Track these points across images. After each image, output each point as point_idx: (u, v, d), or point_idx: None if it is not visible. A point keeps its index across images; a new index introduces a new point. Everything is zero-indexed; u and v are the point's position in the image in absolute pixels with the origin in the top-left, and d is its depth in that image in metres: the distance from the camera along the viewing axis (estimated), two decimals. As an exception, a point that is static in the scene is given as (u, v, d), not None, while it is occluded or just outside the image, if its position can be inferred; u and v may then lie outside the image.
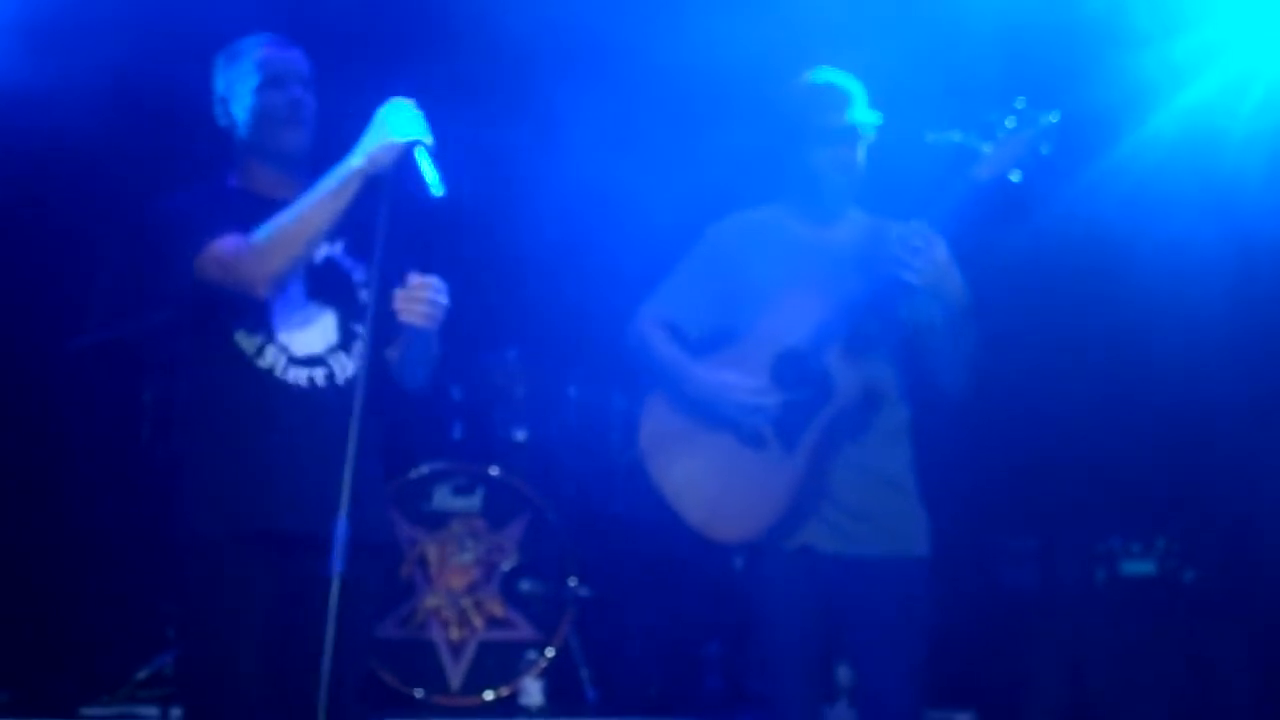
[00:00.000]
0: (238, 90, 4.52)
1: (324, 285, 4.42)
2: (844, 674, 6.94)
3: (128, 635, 7.11)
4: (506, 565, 7.18)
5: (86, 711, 6.57)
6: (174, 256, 4.31)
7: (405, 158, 4.29)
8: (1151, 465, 7.04)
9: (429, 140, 4.32)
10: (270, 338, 4.35)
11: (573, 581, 7.16)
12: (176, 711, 6.51)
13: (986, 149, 4.64)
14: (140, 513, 7.17)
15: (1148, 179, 6.63)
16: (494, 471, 7.26)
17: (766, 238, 5.04)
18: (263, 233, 4.24)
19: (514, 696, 7.00)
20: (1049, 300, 7.18)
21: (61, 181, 6.93)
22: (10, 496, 7.17)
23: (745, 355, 4.94)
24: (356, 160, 4.28)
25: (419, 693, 6.88)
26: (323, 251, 4.41)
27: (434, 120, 4.38)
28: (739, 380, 4.89)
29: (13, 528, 7.14)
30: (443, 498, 7.19)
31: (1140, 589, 6.85)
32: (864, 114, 4.94)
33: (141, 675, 6.81)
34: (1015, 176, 4.63)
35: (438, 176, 4.27)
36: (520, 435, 7.57)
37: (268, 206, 4.35)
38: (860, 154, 4.96)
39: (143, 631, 7.07)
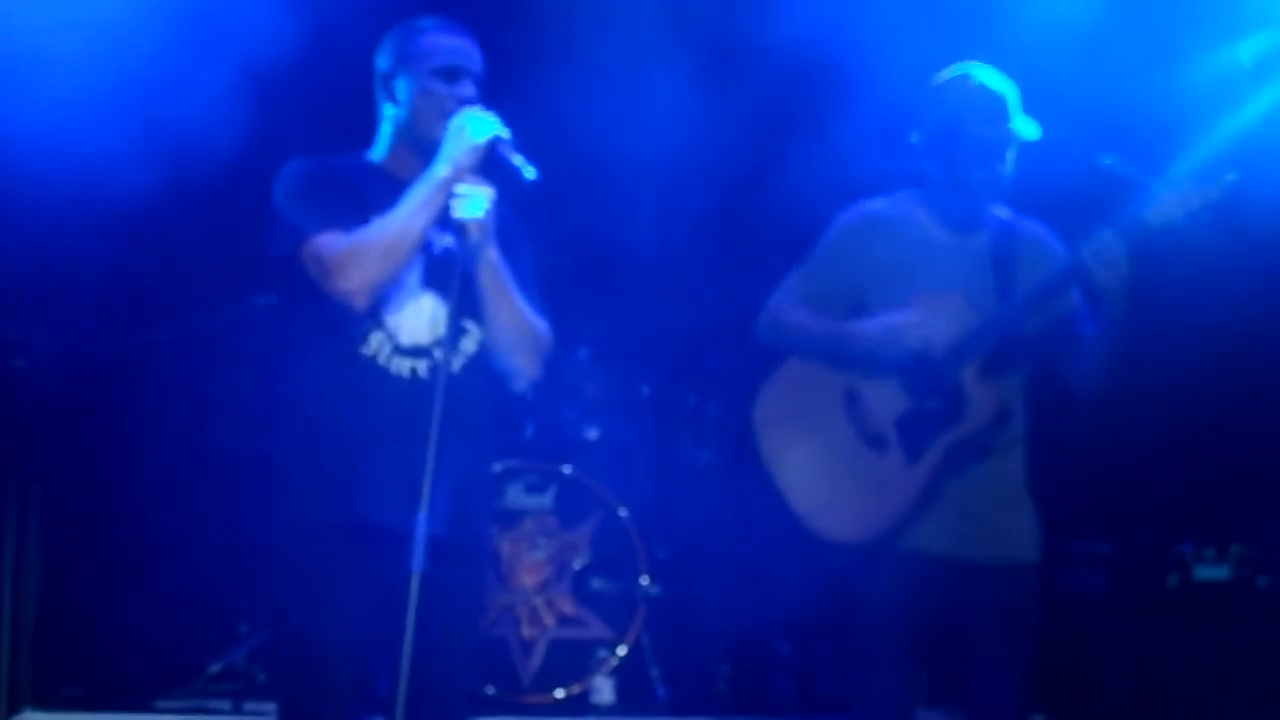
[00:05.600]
0: (407, 71, 4.47)
1: (439, 276, 4.38)
2: (921, 678, 6.93)
3: (200, 629, 7.15)
4: (578, 563, 7.19)
5: (160, 705, 6.61)
6: (284, 234, 4.31)
7: (491, 154, 4.31)
8: (1226, 469, 6.99)
9: (506, 134, 4.34)
10: (378, 323, 4.32)
11: (644, 580, 7.15)
12: (249, 705, 6.57)
13: (1162, 192, 4.59)
14: (213, 508, 7.21)
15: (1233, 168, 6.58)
16: (566, 470, 7.27)
17: (904, 238, 4.94)
18: (358, 241, 4.21)
19: (585, 694, 7.01)
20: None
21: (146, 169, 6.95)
22: (83, 491, 7.20)
23: None
24: (442, 169, 4.27)
25: (490, 689, 6.88)
26: (443, 242, 4.40)
27: (504, 109, 4.41)
28: (903, 319, 4.79)
29: (86, 522, 7.18)
30: (515, 495, 7.21)
31: (1213, 595, 6.80)
32: (1021, 125, 4.86)
33: (214, 669, 6.86)
34: (1183, 224, 4.57)
35: (526, 162, 4.31)
36: (592, 434, 7.59)
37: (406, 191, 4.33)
38: (1011, 163, 4.89)
39: (215, 626, 7.11)
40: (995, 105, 4.86)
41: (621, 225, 7.91)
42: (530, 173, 4.29)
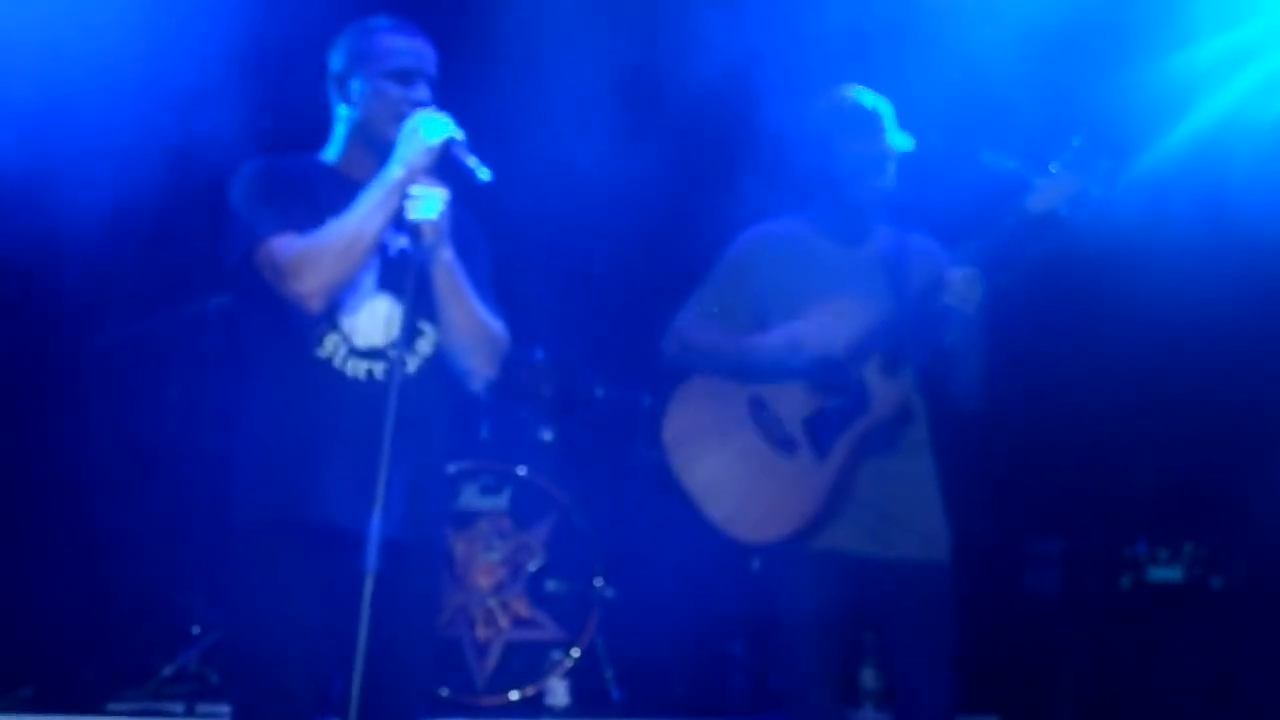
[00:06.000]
0: (361, 72, 4.45)
1: (395, 277, 4.35)
2: (869, 677, 6.95)
3: (153, 631, 7.11)
4: (533, 565, 7.17)
5: (112, 707, 6.56)
6: (239, 236, 4.29)
7: (445, 156, 4.31)
8: (1180, 470, 7.02)
9: (460, 136, 4.34)
10: (333, 325, 4.30)
11: (598, 582, 7.15)
12: (203, 707, 6.53)
13: (1040, 182, 4.73)
14: (167, 508, 7.18)
15: (1177, 176, 6.62)
16: (521, 471, 7.26)
17: (796, 254, 5.08)
18: (313, 244, 4.19)
19: (539, 696, 7.00)
20: (1075, 304, 7.17)
21: (98, 169, 6.92)
22: (36, 491, 7.17)
23: None
24: (396, 170, 4.26)
25: (444, 691, 6.86)
26: (398, 244, 4.39)
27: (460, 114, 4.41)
28: (802, 326, 4.91)
29: (39, 523, 7.14)
30: (470, 497, 7.19)
31: (1167, 595, 6.83)
32: (896, 138, 5.00)
33: (167, 671, 6.82)
34: (1064, 211, 4.71)
35: (480, 163, 4.30)
36: (547, 435, 7.58)
37: (360, 192, 4.31)
38: (891, 176, 5.01)
39: (169, 627, 7.07)
40: (868, 121, 5.01)
41: (576, 227, 7.91)
42: (485, 174, 4.29)
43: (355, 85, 4.47)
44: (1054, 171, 4.72)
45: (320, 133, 4.59)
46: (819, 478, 4.87)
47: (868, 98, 5.04)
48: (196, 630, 6.96)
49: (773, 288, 5.04)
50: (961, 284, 4.74)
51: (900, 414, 4.92)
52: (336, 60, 4.53)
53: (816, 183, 5.09)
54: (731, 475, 5.00)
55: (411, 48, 4.50)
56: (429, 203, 4.27)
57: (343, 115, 4.52)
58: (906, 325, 4.88)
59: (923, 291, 4.86)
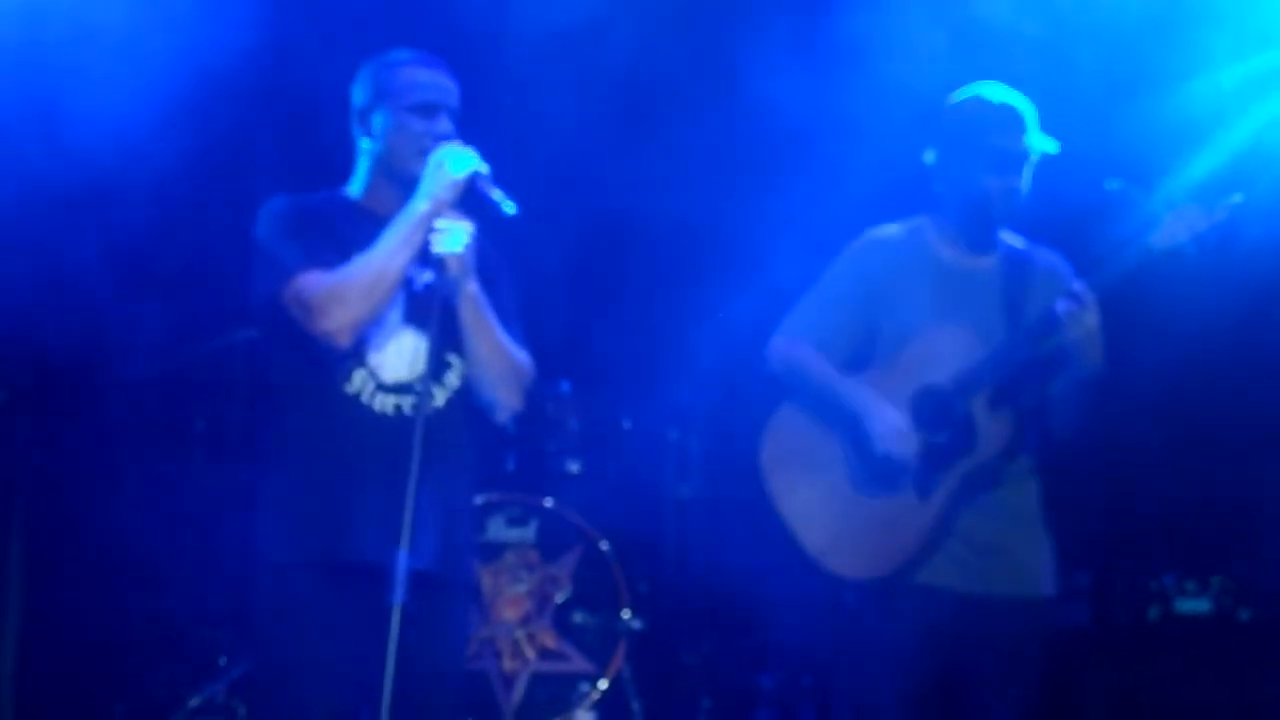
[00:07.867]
0: (383, 106, 4.46)
1: (421, 311, 4.36)
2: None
3: (180, 662, 7.12)
4: (560, 597, 7.16)
5: (139, 739, 6.60)
6: (265, 274, 4.31)
7: (470, 189, 4.31)
8: (1207, 502, 6.99)
9: (485, 169, 4.34)
10: (360, 361, 4.32)
11: (626, 614, 7.13)
12: (230, 738, 6.56)
13: (1166, 216, 4.61)
14: (194, 541, 7.19)
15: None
16: (548, 503, 7.26)
17: (913, 264, 4.93)
18: (339, 280, 4.21)
19: (566, 728, 6.99)
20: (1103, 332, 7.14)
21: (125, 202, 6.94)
22: (64, 525, 7.18)
23: (885, 383, 4.84)
24: (422, 204, 4.28)
25: (471, 723, 6.87)
26: (424, 278, 4.39)
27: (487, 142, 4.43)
28: (890, 415, 4.77)
29: (67, 555, 7.16)
30: (497, 529, 7.18)
31: (1195, 627, 6.80)
32: (1038, 139, 4.86)
33: (194, 703, 6.82)
34: (1189, 248, 4.60)
35: (506, 196, 4.31)
36: (574, 467, 7.58)
37: (384, 227, 4.32)
38: (1027, 179, 4.87)
39: (195, 659, 7.08)
40: (1013, 118, 4.86)
41: (603, 259, 7.91)
42: (510, 208, 4.30)
43: (377, 119, 4.49)
44: (1180, 206, 4.61)
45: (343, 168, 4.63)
46: (920, 519, 4.73)
47: (1012, 96, 4.91)
48: (223, 662, 6.97)
49: (884, 298, 4.90)
50: (1079, 320, 4.64)
51: (1007, 450, 4.76)
52: (359, 94, 4.55)
53: (951, 178, 4.93)
54: (827, 506, 4.86)
55: (433, 81, 4.51)
56: (454, 236, 4.28)
57: (365, 149, 4.54)
58: (1018, 366, 4.74)
59: (1037, 329, 4.72)
